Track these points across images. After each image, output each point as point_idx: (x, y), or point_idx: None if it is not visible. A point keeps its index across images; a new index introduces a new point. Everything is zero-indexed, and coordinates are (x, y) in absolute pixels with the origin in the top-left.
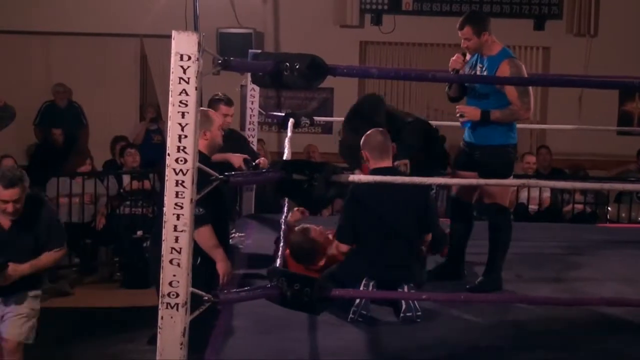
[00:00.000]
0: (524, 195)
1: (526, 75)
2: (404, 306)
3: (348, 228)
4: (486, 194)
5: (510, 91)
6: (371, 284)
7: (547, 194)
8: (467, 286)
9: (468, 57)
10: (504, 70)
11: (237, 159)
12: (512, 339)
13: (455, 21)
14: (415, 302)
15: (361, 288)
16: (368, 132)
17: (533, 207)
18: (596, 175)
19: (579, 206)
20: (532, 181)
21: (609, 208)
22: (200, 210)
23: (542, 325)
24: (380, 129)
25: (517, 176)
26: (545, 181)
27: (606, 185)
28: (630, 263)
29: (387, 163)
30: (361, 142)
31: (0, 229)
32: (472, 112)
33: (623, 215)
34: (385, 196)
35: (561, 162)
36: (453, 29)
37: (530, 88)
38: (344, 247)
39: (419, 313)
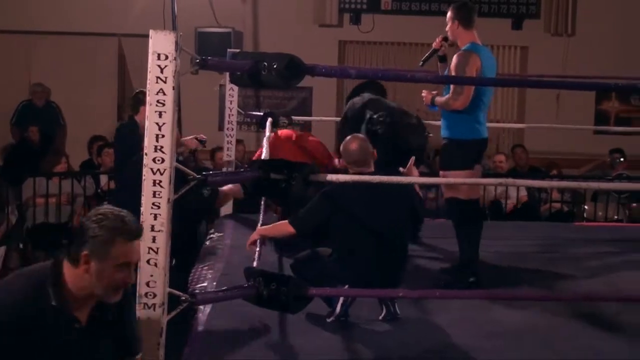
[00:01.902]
0: (501, 193)
1: (470, 68)
2: (383, 312)
3: (309, 221)
4: (446, 188)
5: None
6: None
7: (523, 193)
8: (442, 282)
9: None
10: (453, 61)
11: (191, 141)
12: (489, 335)
13: (434, 20)
14: (396, 307)
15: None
16: (345, 141)
17: (511, 203)
18: (573, 174)
19: (556, 205)
20: (510, 180)
21: (586, 206)
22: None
23: (518, 322)
24: (359, 135)
25: (493, 175)
26: (523, 180)
27: (583, 184)
28: (606, 261)
29: (368, 170)
30: (340, 151)
31: (74, 326)
32: (427, 96)
33: (600, 213)
34: (368, 200)
35: (538, 161)
36: (432, 28)
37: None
38: (292, 230)
39: (399, 315)
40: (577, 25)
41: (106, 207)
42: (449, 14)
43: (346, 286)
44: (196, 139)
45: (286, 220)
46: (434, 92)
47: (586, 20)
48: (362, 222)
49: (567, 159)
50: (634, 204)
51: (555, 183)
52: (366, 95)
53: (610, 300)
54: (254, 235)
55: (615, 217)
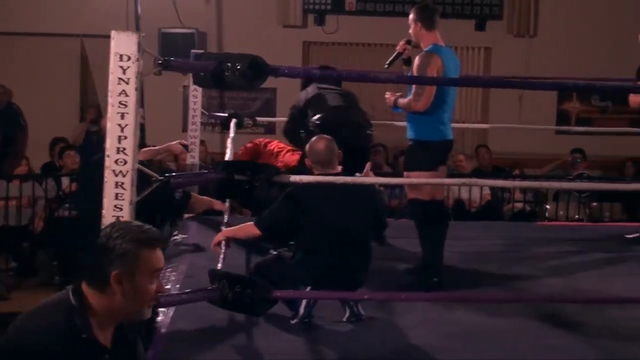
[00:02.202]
0: (464, 194)
1: (431, 69)
2: (347, 313)
3: (273, 222)
4: (409, 189)
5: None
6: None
7: (486, 191)
8: (406, 283)
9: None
10: (415, 62)
11: (175, 146)
12: (453, 336)
13: (398, 21)
14: (359, 307)
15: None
16: (311, 141)
17: (474, 203)
18: (535, 173)
19: (519, 204)
20: (473, 180)
21: (548, 206)
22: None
23: (480, 322)
24: (326, 136)
25: (456, 175)
26: (486, 180)
27: (545, 184)
28: (568, 261)
29: (333, 171)
30: (306, 150)
31: (105, 357)
32: (390, 98)
33: (561, 213)
34: (332, 201)
35: (502, 161)
36: (396, 29)
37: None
38: (256, 231)
39: (363, 317)
40: (539, 26)
41: (118, 222)
42: (411, 16)
43: (308, 287)
44: (180, 144)
45: (251, 222)
46: (397, 94)
47: (548, 21)
48: (325, 222)
49: (530, 159)
50: (594, 204)
51: (517, 183)
52: (310, 90)
53: (571, 302)
54: (219, 237)
55: (577, 216)
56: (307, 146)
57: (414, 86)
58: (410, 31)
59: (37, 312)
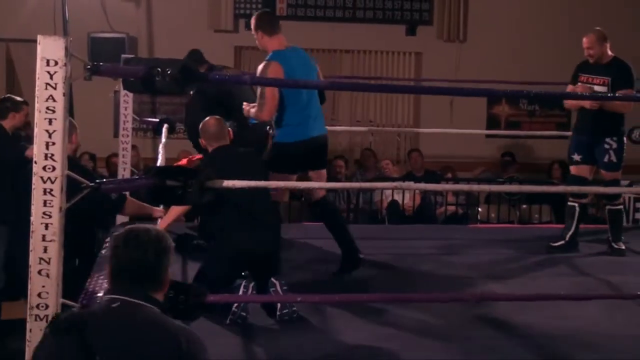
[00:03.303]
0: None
1: (269, 77)
2: (279, 305)
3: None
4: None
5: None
6: (250, 285)
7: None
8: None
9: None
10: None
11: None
12: (386, 337)
13: (329, 26)
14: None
15: (241, 290)
16: (203, 121)
17: (408, 207)
18: (467, 177)
19: (452, 207)
20: (405, 183)
21: (479, 209)
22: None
23: (415, 323)
24: (216, 116)
25: (387, 179)
26: (418, 184)
27: (475, 187)
28: (499, 261)
29: (225, 143)
30: (199, 130)
31: None
32: (245, 108)
33: (492, 215)
34: (235, 172)
35: (433, 165)
36: (327, 34)
37: (271, 94)
38: (183, 207)
39: (295, 308)
40: (469, 31)
41: (135, 227)
42: (252, 26)
43: (243, 282)
44: None
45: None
46: (252, 105)
47: (477, 27)
48: (234, 193)
49: (461, 162)
50: (524, 206)
51: (449, 186)
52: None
53: (503, 300)
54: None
55: (507, 218)
56: (200, 127)
57: (257, 97)
58: (256, 41)
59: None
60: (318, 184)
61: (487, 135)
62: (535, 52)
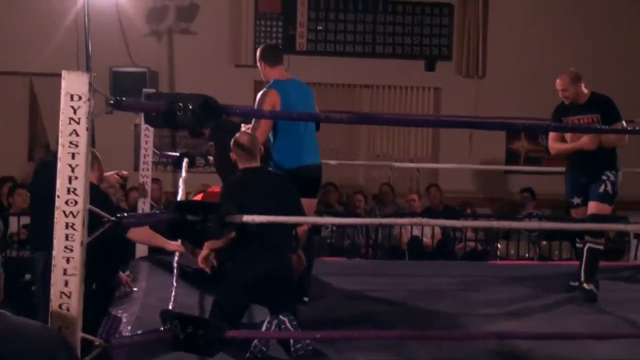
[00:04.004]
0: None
1: (266, 104)
2: (292, 340)
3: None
4: None
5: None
6: (274, 322)
7: (437, 230)
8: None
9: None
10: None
11: (112, 177)
12: None
13: (349, 62)
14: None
15: (264, 327)
16: (236, 136)
17: (427, 243)
18: (486, 212)
19: (471, 243)
20: (425, 220)
21: (499, 245)
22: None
23: (433, 359)
24: (248, 132)
25: (408, 214)
26: (438, 220)
27: (494, 224)
28: (518, 298)
29: (255, 164)
30: (231, 144)
31: None
32: (242, 128)
33: (512, 251)
34: (259, 198)
35: (452, 200)
36: (346, 69)
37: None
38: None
39: (308, 341)
40: (488, 67)
41: None
42: (257, 56)
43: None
44: (117, 174)
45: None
46: (248, 126)
47: (496, 62)
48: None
49: (480, 198)
50: (544, 242)
51: (468, 223)
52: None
53: (520, 337)
54: (204, 251)
55: (527, 255)
56: (232, 141)
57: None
58: (260, 71)
59: None
60: (340, 220)
61: (506, 172)
62: (553, 88)
